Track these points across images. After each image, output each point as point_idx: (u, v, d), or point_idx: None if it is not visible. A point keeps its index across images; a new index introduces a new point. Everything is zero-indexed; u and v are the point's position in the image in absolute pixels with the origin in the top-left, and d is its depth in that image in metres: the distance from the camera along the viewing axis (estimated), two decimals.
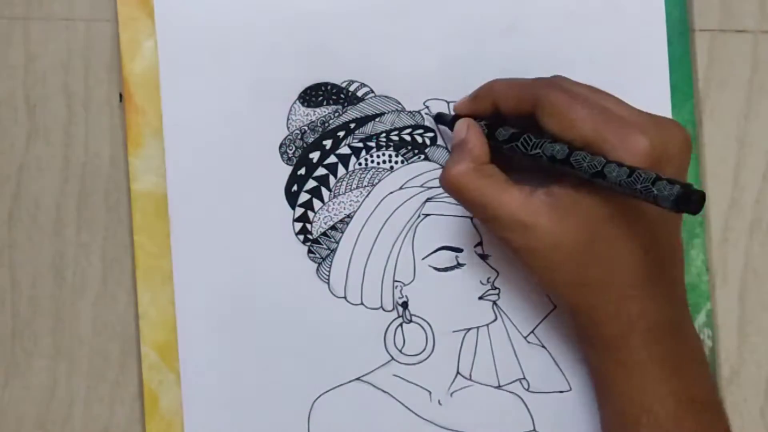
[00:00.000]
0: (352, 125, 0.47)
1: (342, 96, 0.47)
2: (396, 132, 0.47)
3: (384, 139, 0.47)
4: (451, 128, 0.45)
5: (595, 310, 0.40)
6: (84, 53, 0.48)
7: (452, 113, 0.46)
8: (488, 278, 0.47)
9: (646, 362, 0.40)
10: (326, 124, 0.47)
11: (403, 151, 0.47)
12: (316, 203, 0.47)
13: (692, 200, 0.34)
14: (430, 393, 0.47)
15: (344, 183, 0.47)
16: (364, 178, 0.47)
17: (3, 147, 0.48)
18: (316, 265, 0.47)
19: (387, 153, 0.47)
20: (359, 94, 0.47)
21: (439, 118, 0.47)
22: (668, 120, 0.40)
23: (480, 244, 0.47)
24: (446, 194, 0.47)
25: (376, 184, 0.47)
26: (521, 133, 0.41)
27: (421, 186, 0.47)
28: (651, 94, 0.47)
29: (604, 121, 0.39)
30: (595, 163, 0.37)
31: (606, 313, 0.40)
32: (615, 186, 0.37)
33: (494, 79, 0.44)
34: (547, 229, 0.39)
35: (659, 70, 0.47)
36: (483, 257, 0.47)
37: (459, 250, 0.47)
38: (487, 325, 0.47)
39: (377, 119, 0.47)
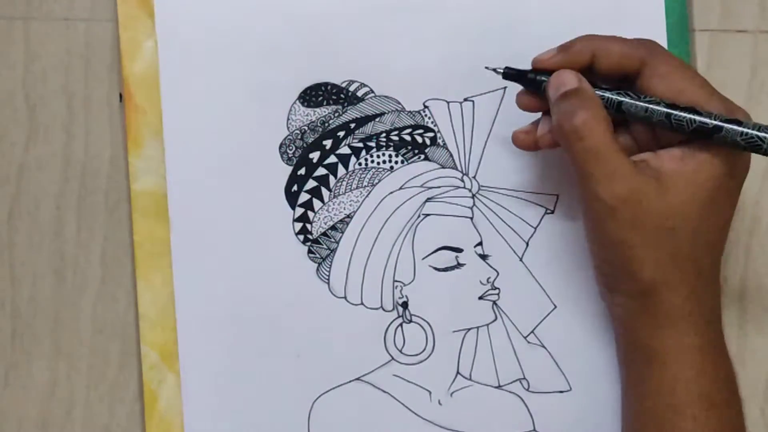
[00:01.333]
0: (352, 125, 0.47)
1: (342, 96, 0.47)
2: (396, 132, 0.47)
3: (384, 139, 0.47)
4: (526, 84, 0.42)
5: (679, 288, 0.39)
6: (84, 53, 0.48)
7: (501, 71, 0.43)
8: (488, 278, 0.47)
9: (708, 346, 0.40)
10: (326, 124, 0.47)
11: (403, 151, 0.47)
12: (316, 203, 0.47)
13: None
14: (430, 393, 0.47)
15: (344, 183, 0.47)
16: (364, 178, 0.47)
17: (3, 147, 0.48)
18: (316, 265, 0.47)
19: (387, 153, 0.47)
20: (359, 94, 0.47)
21: (509, 74, 0.43)
22: (740, 108, 0.41)
23: (480, 244, 0.47)
24: (446, 195, 0.47)
25: (376, 184, 0.47)
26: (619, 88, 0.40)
27: (422, 186, 0.47)
28: None
29: (713, 91, 0.39)
30: (723, 117, 0.38)
31: (688, 290, 0.39)
32: (748, 136, 0.38)
33: (589, 34, 0.41)
34: (654, 201, 0.38)
35: None
36: (483, 257, 0.47)
37: (459, 250, 0.47)
38: (487, 325, 0.47)
39: (377, 119, 0.47)
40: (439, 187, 0.47)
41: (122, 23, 0.47)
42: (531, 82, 0.42)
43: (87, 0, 0.48)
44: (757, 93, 0.48)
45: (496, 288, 0.47)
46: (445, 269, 0.47)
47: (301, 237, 0.47)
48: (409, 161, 0.47)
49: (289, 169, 0.47)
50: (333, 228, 0.47)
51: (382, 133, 0.47)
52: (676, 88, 0.39)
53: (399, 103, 0.47)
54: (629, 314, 0.41)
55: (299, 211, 0.47)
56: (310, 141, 0.47)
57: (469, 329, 0.47)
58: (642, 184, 0.38)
